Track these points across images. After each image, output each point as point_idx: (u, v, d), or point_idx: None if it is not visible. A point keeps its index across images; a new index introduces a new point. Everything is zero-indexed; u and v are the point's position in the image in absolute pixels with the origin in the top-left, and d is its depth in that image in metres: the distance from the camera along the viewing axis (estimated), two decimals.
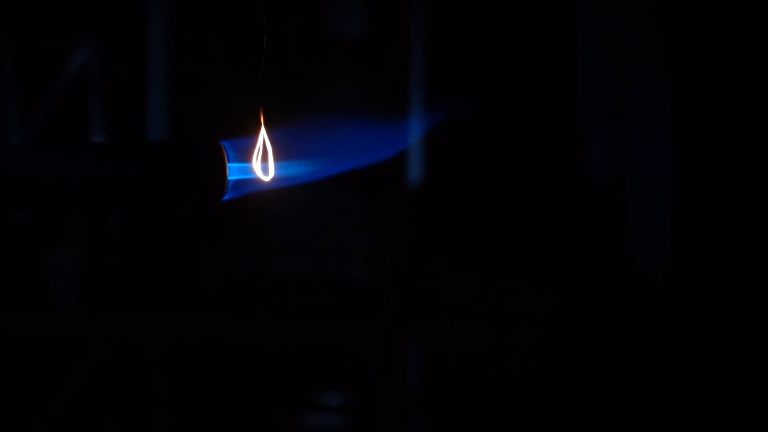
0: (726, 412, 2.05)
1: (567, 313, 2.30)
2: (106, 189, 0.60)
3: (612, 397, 2.22)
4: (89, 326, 2.42)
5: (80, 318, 2.45)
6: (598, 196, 2.42)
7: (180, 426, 2.62)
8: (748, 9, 2.10)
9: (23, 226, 2.50)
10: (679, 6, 2.24)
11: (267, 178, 0.64)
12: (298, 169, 0.65)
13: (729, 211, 2.15)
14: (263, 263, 2.60)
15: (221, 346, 2.65)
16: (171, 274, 2.57)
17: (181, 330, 2.43)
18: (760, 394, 2.02)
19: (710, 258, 2.18)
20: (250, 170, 0.64)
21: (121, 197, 0.61)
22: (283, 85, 2.53)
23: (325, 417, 2.57)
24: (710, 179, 2.18)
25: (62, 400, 2.33)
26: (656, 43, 2.29)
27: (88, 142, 1.49)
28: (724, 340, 2.12)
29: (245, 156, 0.64)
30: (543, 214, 2.53)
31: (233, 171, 0.63)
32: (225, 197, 0.63)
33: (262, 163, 0.64)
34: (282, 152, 0.65)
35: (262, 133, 0.64)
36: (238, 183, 0.64)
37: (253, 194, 0.65)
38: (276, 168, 0.64)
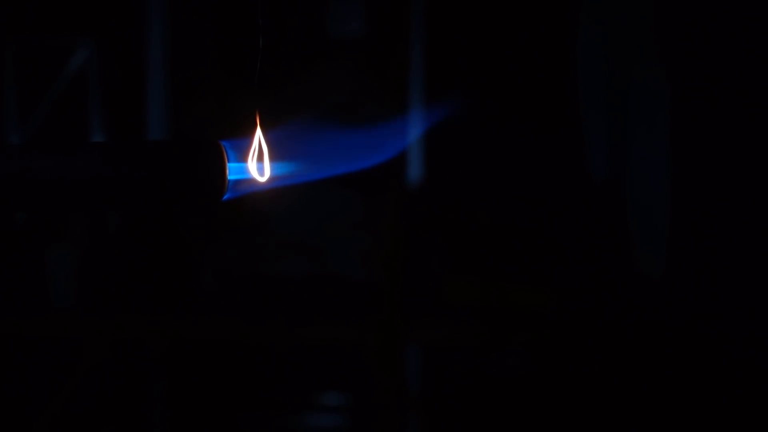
0: (726, 412, 2.05)
1: (567, 313, 2.30)
2: (105, 189, 0.60)
3: (612, 396, 2.22)
4: (89, 326, 2.42)
5: (80, 318, 2.45)
6: (598, 196, 2.42)
7: (180, 426, 2.62)
8: (748, 9, 2.10)
9: (23, 226, 2.50)
10: (679, 6, 2.24)
11: (265, 179, 0.64)
12: (298, 170, 0.65)
13: (728, 212, 2.15)
14: (263, 263, 2.60)
15: (221, 346, 2.65)
16: (171, 274, 2.57)
17: (181, 330, 2.43)
18: (760, 393, 2.02)
19: (709, 258, 2.18)
20: (250, 170, 0.64)
21: (121, 197, 0.61)
22: (282, 85, 2.53)
23: (325, 417, 2.57)
24: (709, 180, 2.18)
25: (62, 400, 2.33)
26: (656, 43, 2.29)
27: (88, 142, 1.49)
28: (722, 339, 2.12)
29: (245, 156, 0.64)
30: (543, 214, 2.53)
31: (233, 171, 0.63)
32: (225, 197, 0.63)
33: (260, 164, 0.64)
34: (281, 152, 0.65)
35: (258, 133, 0.64)
36: (238, 183, 0.64)
37: (253, 194, 0.65)
38: (275, 168, 0.65)
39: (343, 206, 2.61)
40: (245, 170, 0.64)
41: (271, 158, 0.64)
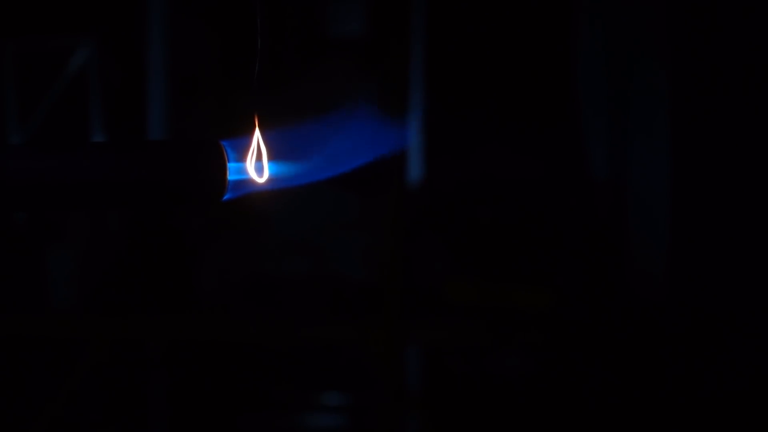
0: (725, 411, 2.05)
1: (567, 313, 2.30)
2: (106, 189, 0.60)
3: (612, 396, 2.22)
4: (89, 326, 2.42)
5: (80, 318, 2.45)
6: (598, 196, 2.42)
7: (180, 426, 2.62)
8: (748, 9, 2.10)
9: (23, 226, 2.50)
10: (679, 6, 2.24)
11: (265, 179, 0.64)
12: (297, 170, 0.65)
13: (728, 211, 2.15)
14: (263, 263, 2.60)
15: (221, 346, 2.65)
16: (170, 274, 2.57)
17: (181, 330, 2.43)
18: (760, 393, 2.02)
19: (709, 258, 2.18)
20: (250, 170, 0.64)
21: (121, 197, 0.61)
22: (282, 85, 2.53)
23: (325, 417, 2.57)
24: (710, 180, 2.18)
25: (62, 400, 2.33)
26: (657, 43, 2.29)
27: (88, 142, 1.49)
28: (723, 339, 2.12)
29: (245, 156, 0.64)
30: (543, 214, 2.53)
31: (233, 171, 0.63)
32: (225, 197, 0.63)
33: (260, 164, 0.64)
34: (281, 152, 0.65)
35: (257, 134, 0.64)
36: (238, 183, 0.63)
37: (253, 194, 0.65)
38: (275, 168, 0.64)
39: (343, 206, 2.61)
40: (245, 170, 0.64)
41: (271, 158, 0.64)
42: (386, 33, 2.50)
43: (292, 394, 2.60)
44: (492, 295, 2.37)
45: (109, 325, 2.41)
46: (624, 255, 2.37)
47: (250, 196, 0.65)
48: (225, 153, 0.62)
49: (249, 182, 0.64)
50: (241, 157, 0.64)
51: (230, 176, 0.62)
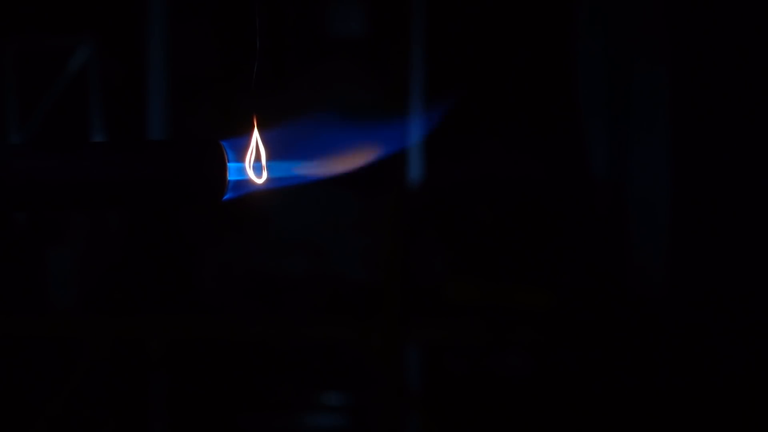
0: (725, 411, 2.05)
1: (567, 313, 2.30)
2: (106, 189, 0.60)
3: (611, 396, 2.22)
4: (89, 326, 2.42)
5: (80, 318, 2.45)
6: (598, 196, 2.42)
7: (180, 426, 2.62)
8: (748, 10, 2.10)
9: (23, 226, 2.50)
10: (679, 6, 2.24)
11: (265, 179, 0.64)
12: (298, 170, 0.65)
13: (728, 211, 2.15)
14: (263, 263, 2.60)
15: (221, 345, 2.65)
16: (171, 274, 2.57)
17: (181, 330, 2.43)
18: (759, 392, 2.02)
19: (709, 257, 2.18)
20: (250, 170, 0.64)
21: (122, 197, 0.61)
22: (282, 85, 2.53)
23: (325, 417, 2.57)
24: (710, 179, 2.18)
25: (62, 400, 2.33)
26: (657, 43, 2.29)
27: (88, 142, 1.49)
28: (722, 339, 2.12)
29: (245, 156, 0.64)
30: (543, 214, 2.53)
31: (233, 171, 0.63)
32: (225, 197, 0.63)
33: (260, 164, 0.64)
34: (281, 152, 0.65)
35: (257, 134, 0.64)
36: (238, 183, 0.63)
37: (253, 194, 0.65)
38: (275, 168, 0.64)
39: (343, 206, 2.61)
40: (245, 170, 0.64)
41: (271, 158, 0.64)
42: (386, 33, 2.50)
43: (292, 394, 2.60)
44: (492, 295, 2.37)
45: (109, 325, 2.41)
46: (624, 255, 2.37)
47: (250, 196, 0.65)
48: (225, 153, 0.62)
49: (249, 182, 0.64)
50: (241, 156, 0.64)
51: (230, 176, 0.62)
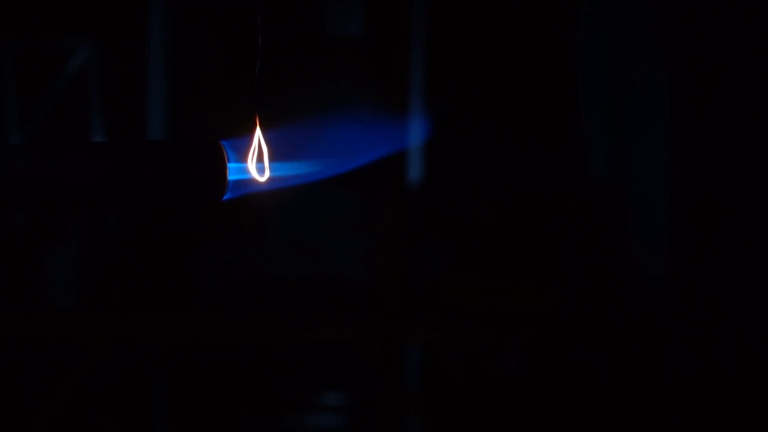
0: (725, 410, 2.05)
1: (567, 313, 2.30)
2: (106, 189, 0.60)
3: (611, 395, 2.22)
4: (89, 326, 2.42)
5: (80, 318, 2.45)
6: (598, 196, 2.42)
7: (180, 426, 2.62)
8: (748, 11, 2.10)
9: (23, 226, 2.50)
10: (679, 7, 2.24)
11: (265, 179, 0.64)
12: (298, 170, 0.65)
13: (728, 212, 2.15)
14: (263, 263, 2.60)
15: (221, 346, 2.65)
16: (171, 274, 2.57)
17: (181, 330, 2.43)
18: (759, 392, 2.02)
19: (709, 258, 2.18)
20: (250, 170, 0.64)
21: (122, 197, 0.61)
22: (283, 85, 2.53)
23: (325, 417, 2.57)
24: (709, 180, 2.18)
25: (62, 400, 2.33)
26: (656, 44, 2.29)
27: (88, 142, 1.49)
28: (722, 338, 2.12)
29: (245, 156, 0.64)
30: (543, 214, 2.53)
31: (233, 171, 0.63)
32: (225, 197, 0.63)
33: (260, 164, 0.64)
34: (282, 152, 0.65)
35: (257, 134, 0.64)
36: (239, 183, 0.63)
37: (253, 194, 0.65)
38: (276, 168, 0.64)
39: (343, 206, 2.61)
40: (246, 170, 0.64)
41: (271, 158, 0.64)
42: (386, 33, 2.50)
43: (292, 394, 2.60)
44: (492, 295, 2.37)
45: (109, 325, 2.41)
46: (624, 255, 2.37)
47: (250, 196, 0.65)
48: (225, 153, 0.62)
49: (249, 182, 0.64)
50: (242, 157, 0.64)
51: (230, 176, 0.62)
